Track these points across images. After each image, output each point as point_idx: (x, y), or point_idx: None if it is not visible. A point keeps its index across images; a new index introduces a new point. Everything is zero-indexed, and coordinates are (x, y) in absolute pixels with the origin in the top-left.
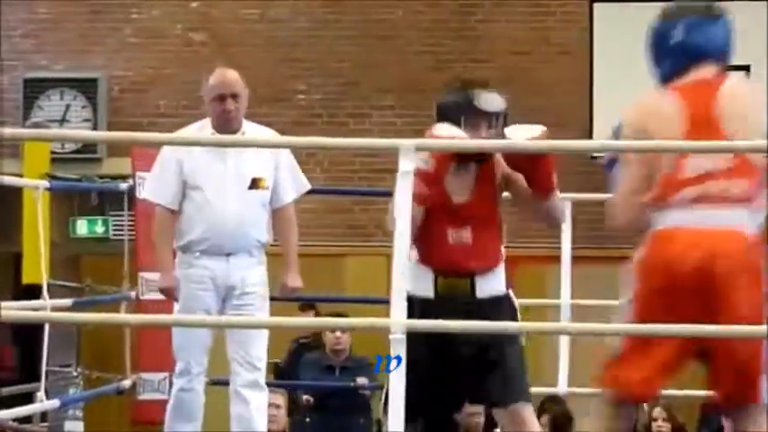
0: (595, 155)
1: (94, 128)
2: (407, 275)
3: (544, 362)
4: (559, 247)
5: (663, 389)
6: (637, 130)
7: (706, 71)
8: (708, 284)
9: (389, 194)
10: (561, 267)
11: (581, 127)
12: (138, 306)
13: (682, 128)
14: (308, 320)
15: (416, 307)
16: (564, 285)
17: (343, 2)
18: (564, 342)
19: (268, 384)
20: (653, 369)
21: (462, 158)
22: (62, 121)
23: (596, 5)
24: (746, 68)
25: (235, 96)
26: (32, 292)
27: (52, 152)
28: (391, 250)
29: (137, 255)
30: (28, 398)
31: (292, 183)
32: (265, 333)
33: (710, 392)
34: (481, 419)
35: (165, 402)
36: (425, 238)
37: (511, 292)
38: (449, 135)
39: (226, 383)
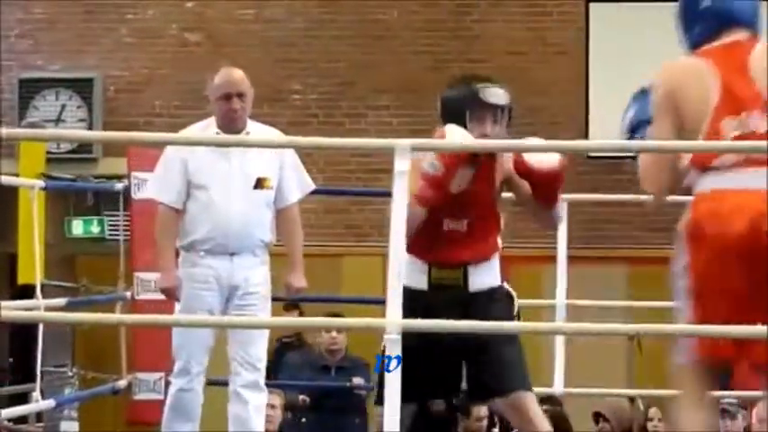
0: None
1: (90, 128)
2: (406, 270)
3: (540, 362)
4: (555, 248)
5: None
6: (667, 91)
7: (737, 35)
8: (757, 245)
9: (386, 194)
10: (557, 267)
11: (577, 127)
12: (134, 306)
13: (714, 90)
14: (307, 320)
15: (410, 298)
16: (559, 285)
17: (339, 2)
18: (560, 342)
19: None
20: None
21: (471, 160)
22: (57, 121)
23: (592, 5)
24: None
25: (241, 95)
26: (28, 292)
27: (48, 152)
28: (387, 250)
29: (132, 255)
30: (23, 398)
31: (297, 183)
32: (266, 333)
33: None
34: (484, 423)
35: (160, 402)
36: (421, 229)
37: (506, 285)
38: (459, 139)
39: (222, 384)
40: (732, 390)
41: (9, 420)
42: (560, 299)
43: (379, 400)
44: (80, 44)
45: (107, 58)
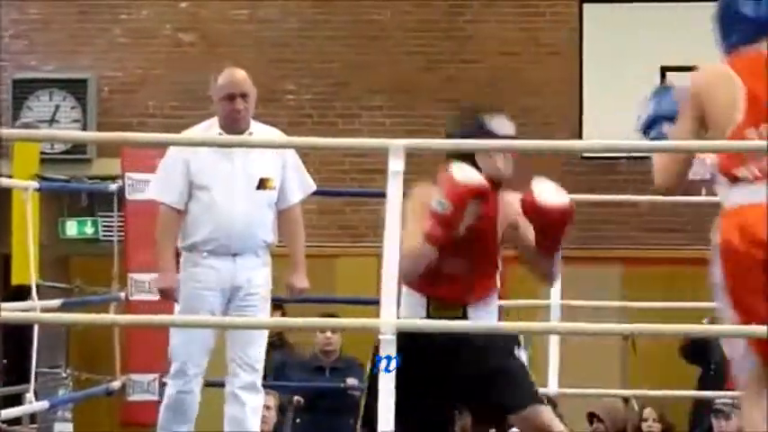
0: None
1: (84, 128)
2: (404, 303)
3: (534, 362)
4: None
5: None
6: (695, 93)
7: None
8: None
9: (381, 195)
10: None
11: (570, 127)
12: (128, 307)
13: (740, 98)
14: (303, 321)
15: (407, 333)
16: (554, 286)
17: (333, 2)
18: (554, 342)
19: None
20: None
21: (478, 195)
22: (51, 121)
23: (586, 6)
24: None
25: (244, 96)
26: (22, 293)
27: (41, 153)
28: (382, 251)
29: (126, 256)
30: (17, 399)
31: (299, 183)
32: (265, 334)
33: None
34: None
35: (154, 404)
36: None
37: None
38: (467, 179)
39: (217, 385)
40: (727, 390)
41: (3, 422)
42: (555, 299)
43: (367, 425)
44: (74, 45)
45: (101, 59)
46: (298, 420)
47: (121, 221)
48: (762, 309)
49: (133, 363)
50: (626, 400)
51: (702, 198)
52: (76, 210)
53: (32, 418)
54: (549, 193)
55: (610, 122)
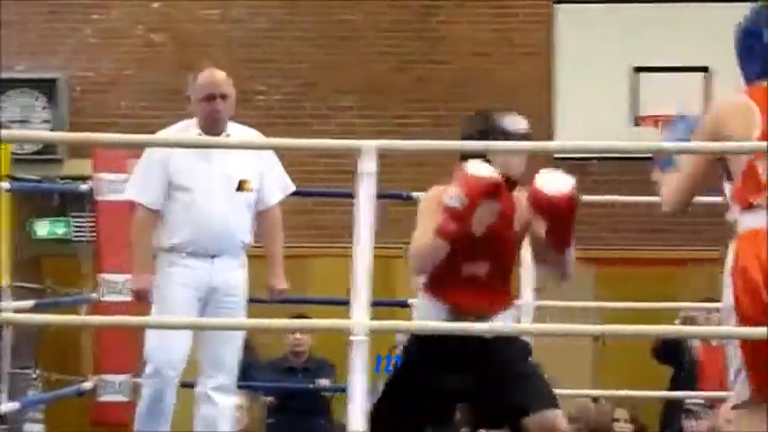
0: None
1: (55, 129)
2: (424, 310)
3: None
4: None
5: None
6: (712, 124)
7: None
8: None
9: (353, 196)
10: (524, 269)
11: (543, 128)
12: (99, 308)
13: (757, 130)
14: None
15: (426, 339)
16: (526, 287)
17: (303, 2)
18: None
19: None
20: None
21: (493, 194)
22: (23, 121)
23: (559, 7)
24: (705, 69)
25: (224, 97)
26: None
27: (13, 153)
28: (353, 251)
29: (98, 256)
30: None
31: (277, 184)
32: (240, 336)
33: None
34: None
35: (125, 404)
36: (438, 269)
37: None
38: (482, 174)
39: (188, 386)
40: (699, 390)
41: None
42: (527, 299)
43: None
44: (45, 45)
45: (72, 59)
46: (269, 421)
47: (93, 222)
48: None
49: (104, 363)
50: (596, 400)
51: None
52: (48, 210)
53: (2, 419)
54: (553, 182)
55: (582, 123)
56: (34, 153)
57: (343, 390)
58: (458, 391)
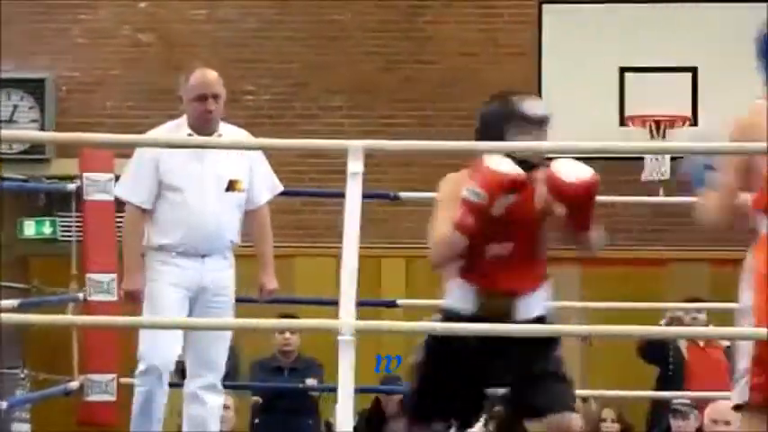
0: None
1: (42, 128)
2: (453, 291)
3: None
4: None
5: None
6: (739, 132)
7: None
8: None
9: (340, 195)
10: None
11: None
12: (86, 307)
13: None
14: (262, 322)
15: (457, 321)
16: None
17: (292, 2)
18: None
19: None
20: None
21: (513, 188)
22: (9, 121)
23: (545, 7)
24: (693, 70)
25: (216, 97)
26: None
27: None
28: (340, 251)
29: (84, 256)
30: None
31: (266, 184)
32: (228, 335)
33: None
34: None
35: (112, 404)
36: (466, 254)
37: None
38: (503, 170)
39: (175, 385)
40: (686, 389)
41: None
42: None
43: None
44: (32, 44)
45: (59, 59)
46: (257, 421)
47: (80, 221)
48: None
49: (91, 363)
50: (584, 400)
51: (659, 199)
52: (34, 210)
53: None
54: (570, 168)
55: (569, 123)
56: (21, 153)
57: (331, 389)
58: (480, 382)
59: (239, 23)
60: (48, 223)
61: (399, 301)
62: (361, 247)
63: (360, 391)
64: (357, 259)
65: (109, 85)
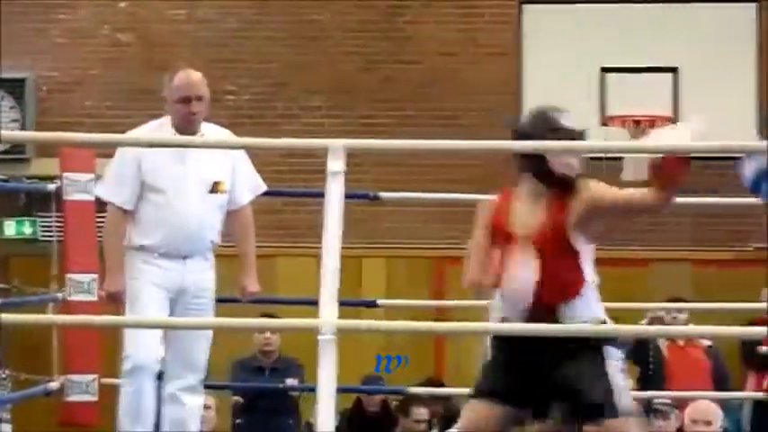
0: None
1: (23, 128)
2: (495, 300)
3: (470, 363)
4: None
5: None
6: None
7: None
8: None
9: (321, 195)
10: None
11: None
12: (66, 307)
13: None
14: (243, 321)
15: (499, 338)
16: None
17: (271, 2)
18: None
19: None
20: None
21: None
22: None
23: (525, 7)
24: (674, 70)
25: (200, 98)
26: None
27: None
28: (321, 251)
29: (65, 256)
30: None
31: (248, 184)
32: (209, 336)
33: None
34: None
35: (93, 404)
36: (501, 270)
37: (603, 314)
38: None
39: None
40: (666, 389)
41: None
42: (495, 299)
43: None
44: (11, 44)
45: (39, 59)
46: (238, 421)
47: (60, 221)
48: None
49: (72, 363)
50: None
51: None
52: (15, 210)
53: None
54: (671, 137)
55: None
56: (1, 152)
57: (312, 389)
58: (530, 388)
59: (219, 23)
60: (28, 223)
61: (380, 301)
62: (341, 247)
63: (341, 390)
64: (338, 259)
65: (89, 85)
